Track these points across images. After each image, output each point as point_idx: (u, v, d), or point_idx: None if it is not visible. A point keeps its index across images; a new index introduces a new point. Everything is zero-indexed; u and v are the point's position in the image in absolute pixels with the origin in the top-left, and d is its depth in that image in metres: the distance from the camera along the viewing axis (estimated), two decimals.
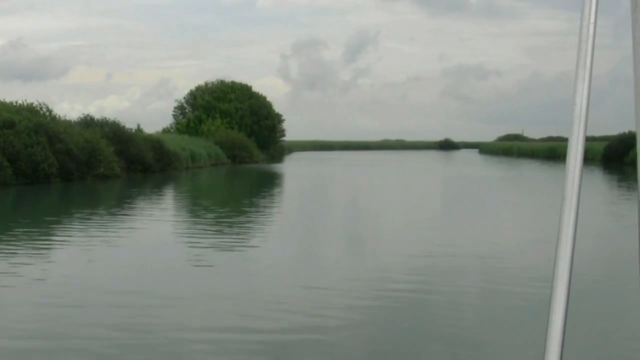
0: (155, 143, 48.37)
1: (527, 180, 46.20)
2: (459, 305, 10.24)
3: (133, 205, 26.70)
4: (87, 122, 45.16)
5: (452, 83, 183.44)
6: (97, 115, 48.04)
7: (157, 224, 20.54)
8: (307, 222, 22.06)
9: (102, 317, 9.41)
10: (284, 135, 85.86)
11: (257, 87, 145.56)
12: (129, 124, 50.17)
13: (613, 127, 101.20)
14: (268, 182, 42.79)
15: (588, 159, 67.43)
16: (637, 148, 1.14)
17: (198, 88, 79.46)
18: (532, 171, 57.22)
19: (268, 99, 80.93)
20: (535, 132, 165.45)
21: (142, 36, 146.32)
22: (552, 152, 77.01)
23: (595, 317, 9.46)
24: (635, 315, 9.53)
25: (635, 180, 1.15)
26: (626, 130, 61.26)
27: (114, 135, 43.79)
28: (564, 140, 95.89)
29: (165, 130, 72.31)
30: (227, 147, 64.02)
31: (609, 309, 10.14)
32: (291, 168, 59.93)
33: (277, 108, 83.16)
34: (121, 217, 22.30)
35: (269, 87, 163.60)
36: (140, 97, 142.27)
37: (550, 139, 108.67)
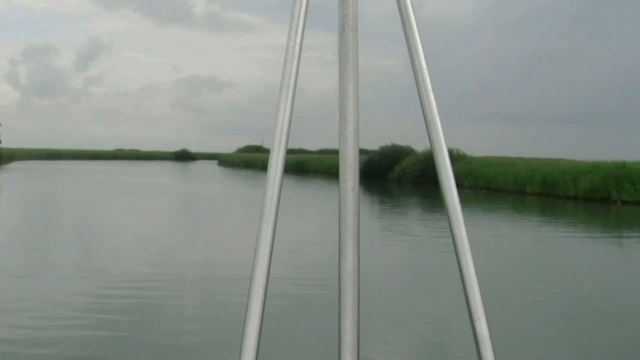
0: None
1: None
2: (177, 323, 10.21)
3: None
4: None
5: (185, 94, 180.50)
6: None
7: None
8: None
9: None
10: None
11: None
12: None
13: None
14: None
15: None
16: (339, 161, 1.28)
17: None
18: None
19: None
20: None
21: None
22: (301, 165, 76.06)
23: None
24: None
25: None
26: (388, 143, 57.76)
27: None
28: (306, 152, 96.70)
29: None
30: None
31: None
32: None
33: (5, 115, 73.70)
34: None
35: None
36: None
37: (291, 151, 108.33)
